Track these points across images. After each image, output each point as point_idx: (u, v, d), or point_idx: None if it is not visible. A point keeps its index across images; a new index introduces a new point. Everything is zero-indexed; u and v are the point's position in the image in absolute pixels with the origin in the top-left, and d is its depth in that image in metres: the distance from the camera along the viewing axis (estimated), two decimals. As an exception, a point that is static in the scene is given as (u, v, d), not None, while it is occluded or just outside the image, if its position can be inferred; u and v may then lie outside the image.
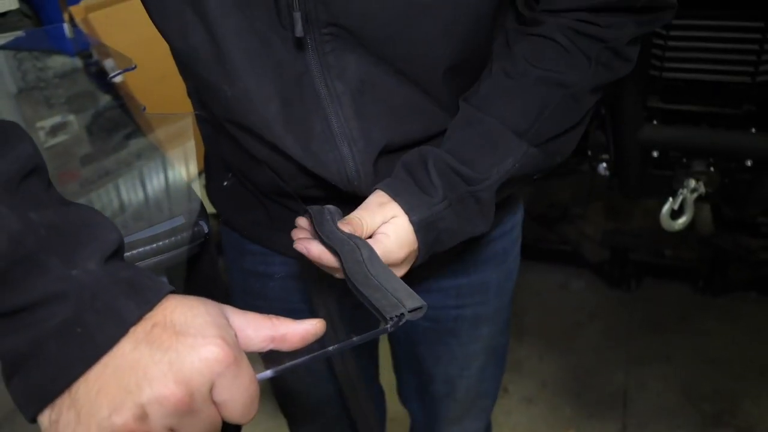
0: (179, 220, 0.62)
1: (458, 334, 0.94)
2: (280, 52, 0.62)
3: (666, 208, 1.48)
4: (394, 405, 1.18)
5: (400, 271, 0.64)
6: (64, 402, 0.37)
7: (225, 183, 0.82)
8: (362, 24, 0.60)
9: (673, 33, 1.43)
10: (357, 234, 0.59)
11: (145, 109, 0.96)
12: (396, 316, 0.49)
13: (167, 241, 0.59)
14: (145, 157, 0.83)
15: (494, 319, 0.95)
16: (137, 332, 0.38)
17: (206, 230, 0.62)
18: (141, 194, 0.80)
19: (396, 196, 0.63)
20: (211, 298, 0.43)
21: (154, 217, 0.65)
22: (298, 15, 0.59)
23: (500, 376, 1.08)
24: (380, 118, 0.66)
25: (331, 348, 0.46)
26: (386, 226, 0.62)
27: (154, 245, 0.58)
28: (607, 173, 1.67)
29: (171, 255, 0.59)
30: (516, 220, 0.91)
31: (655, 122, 1.53)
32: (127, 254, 0.56)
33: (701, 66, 1.46)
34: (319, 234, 0.59)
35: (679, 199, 1.47)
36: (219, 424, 0.41)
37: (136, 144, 0.94)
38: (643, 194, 1.60)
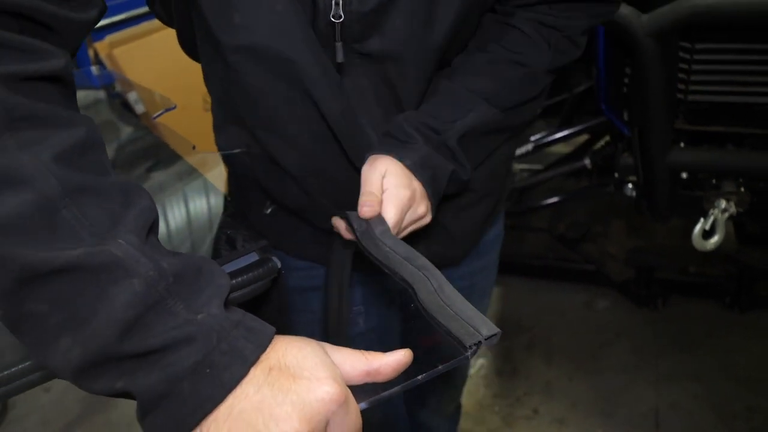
0: (253, 257, 0.65)
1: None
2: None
3: (698, 228, 1.49)
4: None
5: (426, 219, 0.75)
6: None
7: (267, 211, 0.88)
8: (385, 57, 0.72)
9: (697, 57, 1.46)
10: (376, 208, 0.68)
11: (195, 147, 0.99)
12: (474, 344, 0.51)
13: (245, 276, 0.62)
14: (209, 195, 0.86)
15: (490, 289, 1.13)
16: (257, 376, 0.42)
17: (279, 265, 0.65)
18: (210, 230, 0.83)
19: (386, 153, 0.73)
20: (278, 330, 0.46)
21: (226, 253, 0.69)
22: (339, 45, 0.68)
23: None
24: (395, 107, 0.77)
25: (419, 377, 0.49)
26: (386, 181, 0.71)
27: (233, 281, 0.61)
28: (634, 194, 1.69)
29: (248, 290, 0.62)
30: (501, 212, 1.05)
31: (682, 144, 1.56)
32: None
33: (726, 88, 1.48)
34: (386, 267, 0.62)
35: (710, 219, 1.49)
36: None
37: (190, 180, 0.97)
38: (673, 215, 1.61)
